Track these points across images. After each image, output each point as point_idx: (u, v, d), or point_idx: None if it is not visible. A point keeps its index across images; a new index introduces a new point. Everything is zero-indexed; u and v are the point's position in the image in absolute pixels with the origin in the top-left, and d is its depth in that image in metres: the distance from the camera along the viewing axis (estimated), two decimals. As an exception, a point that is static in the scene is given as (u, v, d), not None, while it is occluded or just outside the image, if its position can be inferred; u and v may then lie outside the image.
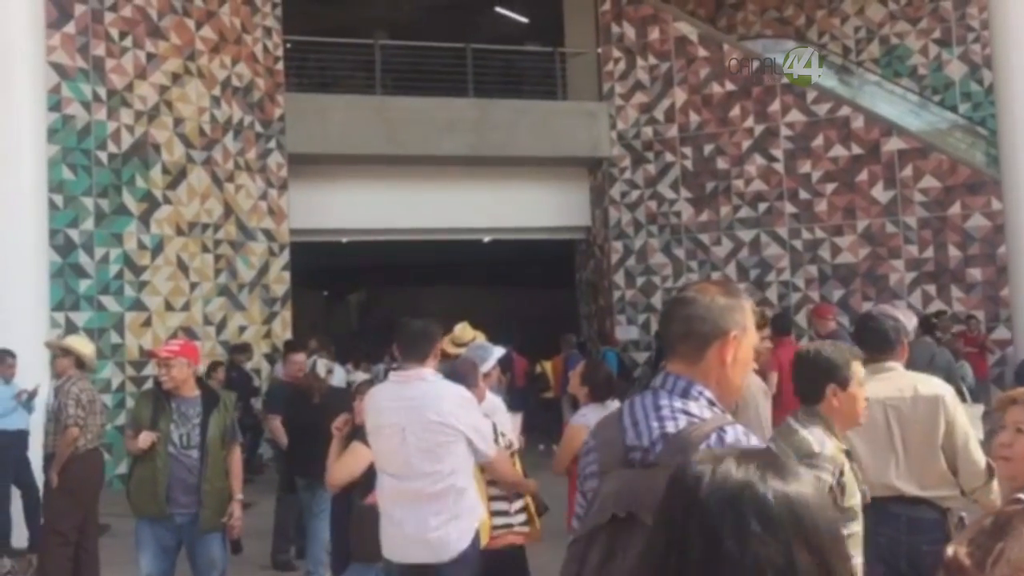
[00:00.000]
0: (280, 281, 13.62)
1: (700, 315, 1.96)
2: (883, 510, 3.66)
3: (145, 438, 4.68)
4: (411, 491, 3.78)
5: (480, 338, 6.34)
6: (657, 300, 14.89)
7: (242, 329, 12.90)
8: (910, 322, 4.69)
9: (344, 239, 16.11)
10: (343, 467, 4.26)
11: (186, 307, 12.27)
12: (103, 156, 11.45)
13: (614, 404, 4.93)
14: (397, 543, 3.82)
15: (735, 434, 1.84)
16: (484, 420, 4.09)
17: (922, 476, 3.65)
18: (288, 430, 7.25)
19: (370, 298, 30.48)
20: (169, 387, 4.78)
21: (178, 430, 4.76)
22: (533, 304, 23.42)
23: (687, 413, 1.88)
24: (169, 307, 12.06)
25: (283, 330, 13.50)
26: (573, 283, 17.88)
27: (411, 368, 3.96)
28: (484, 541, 4.20)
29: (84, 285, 11.17)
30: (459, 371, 4.71)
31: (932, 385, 3.79)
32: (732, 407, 2.06)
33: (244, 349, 12.11)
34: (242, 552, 5.01)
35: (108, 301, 11.41)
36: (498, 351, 5.44)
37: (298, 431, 6.90)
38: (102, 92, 11.50)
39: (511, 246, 17.61)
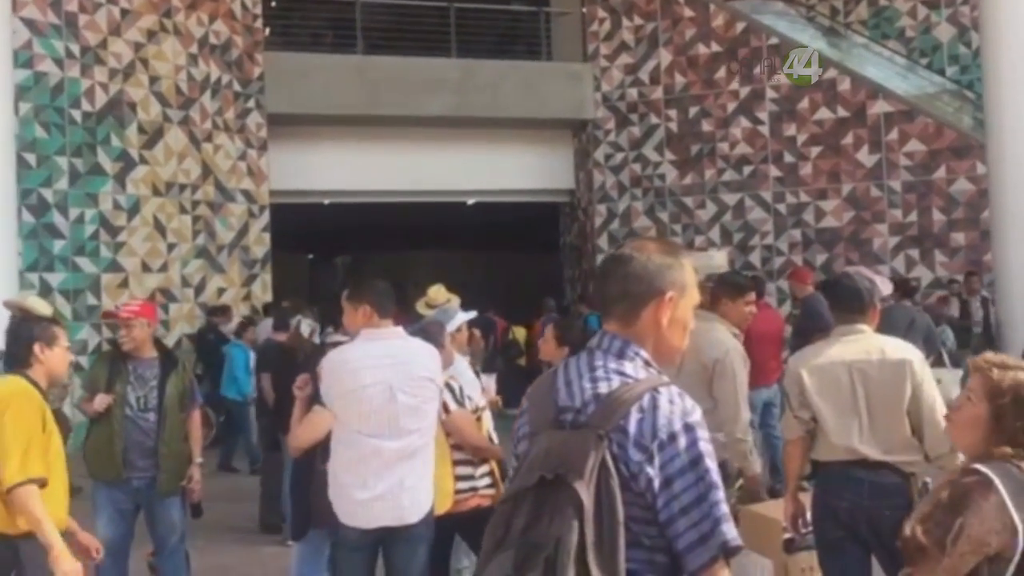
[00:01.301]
0: (260, 243, 13.48)
1: (636, 274, 1.90)
2: (845, 474, 3.65)
3: (101, 400, 4.59)
4: (393, 451, 3.70)
5: (455, 301, 6.30)
6: (640, 264, 14.77)
7: (221, 291, 12.78)
8: (885, 287, 4.63)
9: (326, 201, 15.96)
10: (307, 431, 4.17)
11: (164, 268, 12.13)
12: (77, 114, 11.25)
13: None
14: (365, 508, 3.69)
15: (669, 395, 1.80)
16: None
17: (886, 440, 3.61)
18: (275, 389, 7.24)
19: (357, 261, 30.37)
20: (129, 348, 4.69)
21: (135, 392, 4.66)
22: (521, 268, 23.32)
23: (621, 374, 1.84)
24: (146, 268, 11.93)
25: (263, 292, 13.38)
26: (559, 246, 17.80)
27: (385, 326, 3.88)
28: (447, 505, 4.14)
29: (58, 246, 11.02)
30: (428, 331, 4.65)
31: (900, 349, 3.74)
32: (674, 367, 2.02)
33: (222, 311, 11.99)
34: (203, 516, 4.93)
35: (83, 262, 11.26)
36: (464, 315, 5.39)
37: (284, 390, 6.86)
38: (75, 49, 11.27)
39: (498, 209, 17.47)
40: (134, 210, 11.82)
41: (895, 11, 15.96)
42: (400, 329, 3.97)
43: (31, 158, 10.73)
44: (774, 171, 14.07)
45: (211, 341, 11.78)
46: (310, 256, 30.04)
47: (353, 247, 28.93)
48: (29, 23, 10.79)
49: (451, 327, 5.38)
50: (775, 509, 4.42)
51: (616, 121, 15.03)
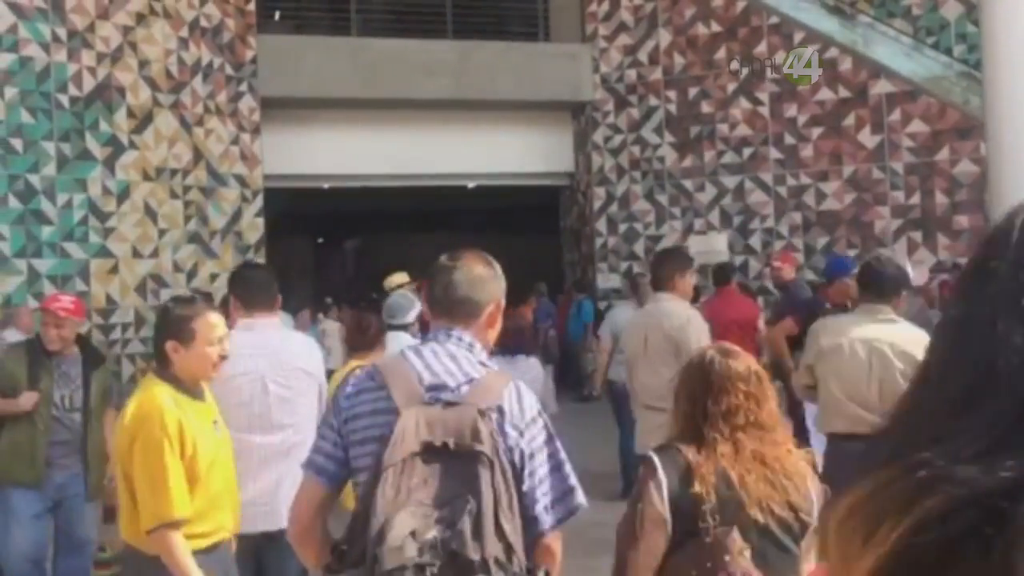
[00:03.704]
0: (253, 228, 13.39)
1: (479, 281, 2.23)
2: (860, 451, 3.57)
3: (28, 398, 4.36)
4: (265, 447, 3.55)
5: (405, 288, 6.37)
6: (639, 247, 14.64)
7: (214, 277, 12.71)
8: (919, 276, 4.75)
9: (325, 185, 15.87)
10: None
11: (155, 254, 12.07)
12: (64, 99, 11.17)
13: (523, 358, 4.74)
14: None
15: (523, 386, 2.17)
16: None
17: None
18: None
19: (365, 245, 30.34)
20: (57, 348, 4.48)
21: (60, 391, 4.46)
22: (524, 251, 23.21)
23: (482, 364, 2.18)
24: (137, 254, 11.87)
25: (257, 277, 13.27)
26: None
27: (259, 316, 3.71)
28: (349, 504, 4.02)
29: (47, 232, 10.96)
30: (360, 323, 4.52)
31: (916, 342, 3.76)
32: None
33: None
34: (114, 521, 4.74)
35: (72, 248, 11.21)
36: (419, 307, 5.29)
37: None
38: (62, 33, 11.18)
39: (501, 192, 17.33)
40: (124, 195, 11.75)
41: (901, -12, 15.64)
42: (275, 319, 3.81)
43: (17, 143, 10.67)
44: (774, 153, 13.84)
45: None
46: (320, 240, 30.05)
47: (362, 231, 28.88)
48: (14, 7, 10.70)
49: (410, 317, 5.26)
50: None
51: (615, 103, 14.83)
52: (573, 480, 2.12)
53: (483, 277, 2.23)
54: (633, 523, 2.26)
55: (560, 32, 15.73)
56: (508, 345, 4.68)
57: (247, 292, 3.67)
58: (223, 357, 3.07)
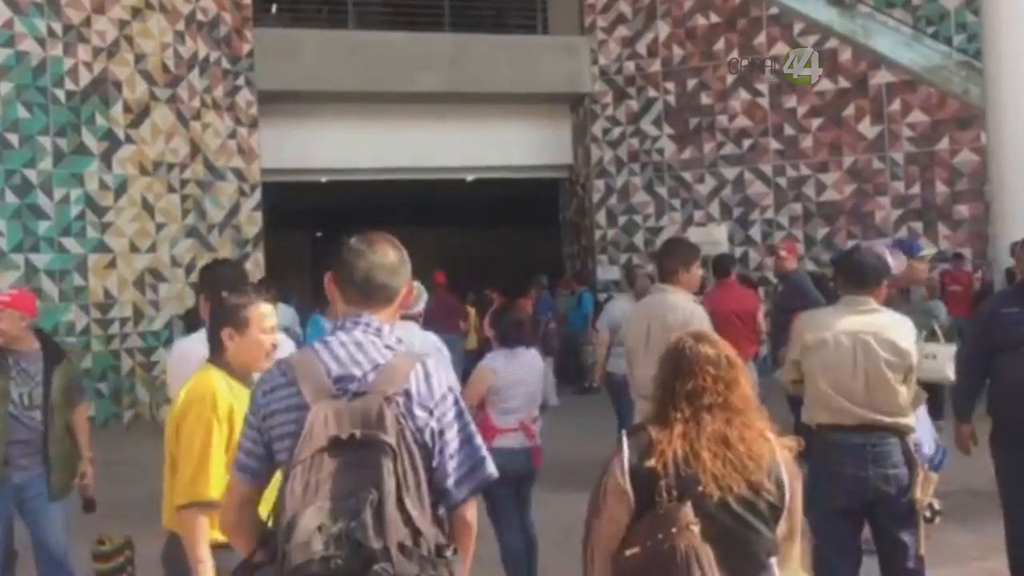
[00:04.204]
0: (252, 222, 13.35)
1: (394, 268, 2.21)
2: (847, 442, 3.72)
3: None
4: None
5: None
6: (639, 239, 14.60)
7: (212, 271, 12.66)
8: (898, 263, 4.69)
9: (323, 179, 15.83)
10: None
11: (152, 248, 12.03)
12: (60, 94, 11.12)
13: (523, 351, 4.70)
14: None
15: (432, 364, 2.15)
16: None
17: (881, 407, 3.72)
18: None
19: (364, 239, 30.25)
20: None
21: (18, 388, 4.30)
22: (523, 244, 23.18)
23: (389, 348, 2.15)
24: (135, 248, 11.83)
25: (256, 271, 13.24)
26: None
27: None
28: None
29: (43, 226, 10.92)
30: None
31: (903, 333, 3.79)
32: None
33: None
34: (95, 512, 4.67)
35: (69, 243, 11.17)
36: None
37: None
38: (57, 27, 11.13)
39: (499, 185, 17.28)
40: (121, 190, 11.70)
41: (900, -22, 15.60)
42: None
43: (13, 138, 10.63)
44: (774, 144, 13.80)
45: (200, 321, 11.69)
46: (318, 234, 30.02)
47: (361, 224, 28.74)
48: (10, 1, 10.65)
49: (419, 306, 5.21)
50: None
51: (614, 95, 14.78)
52: (483, 451, 2.15)
53: (397, 262, 2.22)
54: (598, 494, 2.37)
55: (558, 24, 15.68)
56: (508, 337, 4.65)
57: (224, 289, 3.57)
58: (275, 346, 3.05)
